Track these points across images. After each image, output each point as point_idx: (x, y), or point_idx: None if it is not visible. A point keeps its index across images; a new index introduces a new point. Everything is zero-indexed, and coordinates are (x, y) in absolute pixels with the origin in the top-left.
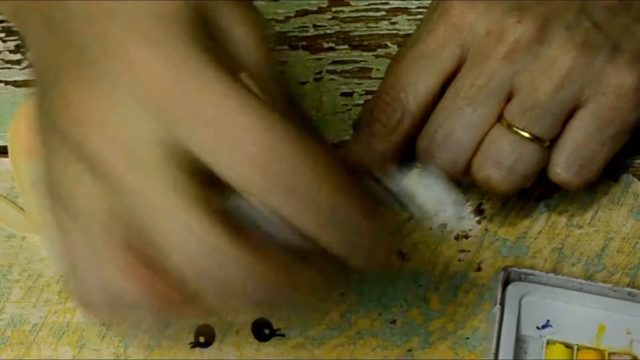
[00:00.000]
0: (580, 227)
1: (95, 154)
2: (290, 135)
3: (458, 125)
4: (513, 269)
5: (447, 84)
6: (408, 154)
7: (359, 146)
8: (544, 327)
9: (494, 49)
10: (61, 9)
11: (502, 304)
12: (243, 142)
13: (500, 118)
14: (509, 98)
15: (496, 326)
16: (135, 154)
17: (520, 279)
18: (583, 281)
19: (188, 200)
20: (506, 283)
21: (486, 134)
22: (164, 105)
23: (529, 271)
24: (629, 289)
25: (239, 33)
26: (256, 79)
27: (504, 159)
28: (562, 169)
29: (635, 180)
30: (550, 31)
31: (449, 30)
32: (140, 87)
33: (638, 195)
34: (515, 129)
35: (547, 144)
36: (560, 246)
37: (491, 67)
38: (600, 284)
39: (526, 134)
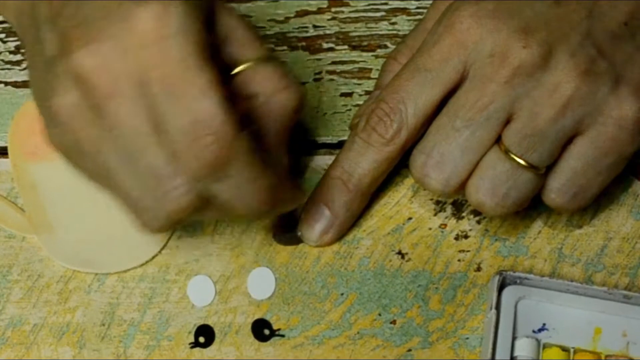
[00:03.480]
0: (580, 227)
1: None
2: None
3: (455, 147)
4: (508, 272)
5: (447, 98)
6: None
7: (354, 154)
8: (540, 330)
9: (497, 72)
10: None
11: (498, 308)
12: (189, 100)
13: (497, 141)
14: (507, 121)
15: (492, 330)
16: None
17: (515, 283)
18: (579, 284)
19: None
20: (502, 287)
21: (482, 156)
22: (142, 55)
23: (524, 275)
24: (624, 292)
25: (244, 32)
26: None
27: (499, 186)
28: (557, 195)
29: (635, 180)
30: (555, 57)
31: (453, 45)
32: (128, 34)
33: (638, 195)
34: (512, 155)
35: (543, 171)
36: (560, 246)
37: (492, 90)
38: (596, 286)
39: (523, 162)
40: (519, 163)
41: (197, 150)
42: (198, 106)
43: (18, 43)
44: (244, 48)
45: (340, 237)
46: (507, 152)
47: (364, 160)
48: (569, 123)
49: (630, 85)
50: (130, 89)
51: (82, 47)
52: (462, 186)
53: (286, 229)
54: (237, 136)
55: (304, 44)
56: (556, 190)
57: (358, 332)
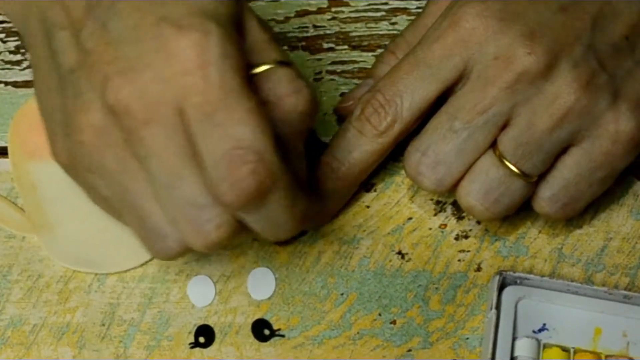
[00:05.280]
0: (580, 227)
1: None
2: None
3: (451, 148)
4: (508, 273)
5: (443, 94)
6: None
7: (346, 142)
8: (540, 330)
9: (500, 76)
10: None
11: (498, 308)
12: (227, 131)
13: (492, 145)
14: (504, 126)
15: (492, 330)
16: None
17: (515, 283)
18: (579, 284)
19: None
20: (502, 287)
21: (477, 159)
22: (181, 83)
23: (525, 275)
24: (624, 292)
25: (261, 34)
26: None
27: (490, 192)
28: (547, 203)
29: (635, 180)
30: (558, 67)
31: (457, 42)
32: (167, 63)
33: (638, 195)
34: (506, 161)
35: (534, 179)
36: (560, 246)
37: (493, 95)
38: (596, 286)
39: (516, 170)
40: (512, 170)
41: (235, 179)
42: (238, 133)
43: (18, 43)
44: (258, 51)
45: (323, 223)
46: (501, 157)
47: (355, 150)
48: (565, 134)
49: (629, 101)
50: (167, 116)
51: (119, 76)
52: (455, 186)
53: None
54: (277, 164)
55: (304, 43)
56: (546, 199)
57: (358, 332)
